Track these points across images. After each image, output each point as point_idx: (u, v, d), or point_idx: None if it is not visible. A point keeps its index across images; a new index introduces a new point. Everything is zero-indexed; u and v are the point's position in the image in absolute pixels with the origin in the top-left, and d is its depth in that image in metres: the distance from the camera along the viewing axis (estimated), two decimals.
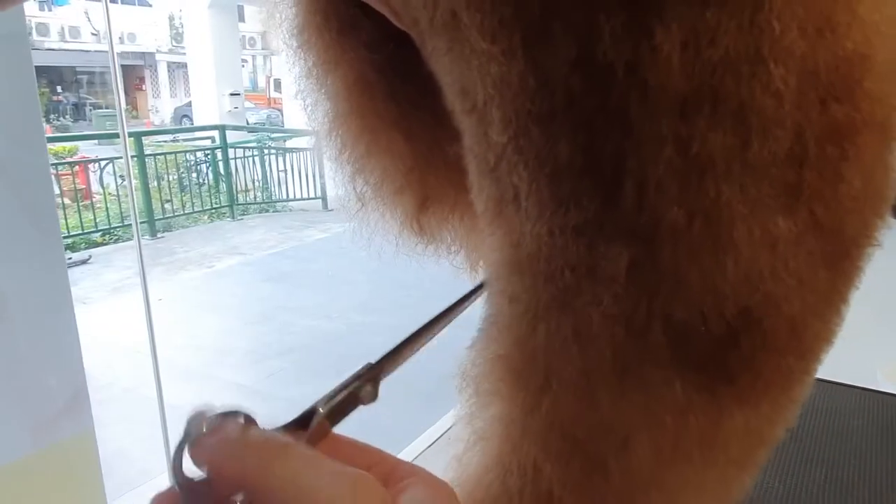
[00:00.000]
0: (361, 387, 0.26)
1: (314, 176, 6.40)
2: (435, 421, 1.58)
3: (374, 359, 0.27)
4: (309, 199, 6.43)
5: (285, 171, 6.58)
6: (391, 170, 0.38)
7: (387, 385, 0.28)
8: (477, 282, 0.34)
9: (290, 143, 6.84)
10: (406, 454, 1.40)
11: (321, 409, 0.25)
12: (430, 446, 1.46)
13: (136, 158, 5.15)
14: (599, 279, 0.25)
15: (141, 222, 4.81)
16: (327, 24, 0.35)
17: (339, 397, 0.26)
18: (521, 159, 0.26)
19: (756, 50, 0.22)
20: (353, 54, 0.36)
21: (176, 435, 0.21)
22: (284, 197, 6.57)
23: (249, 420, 0.22)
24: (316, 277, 4.28)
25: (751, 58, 0.22)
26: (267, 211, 6.43)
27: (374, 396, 0.27)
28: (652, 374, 0.25)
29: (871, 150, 0.23)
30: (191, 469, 0.21)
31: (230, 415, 0.22)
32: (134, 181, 4.56)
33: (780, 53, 0.22)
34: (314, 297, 3.85)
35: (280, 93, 9.47)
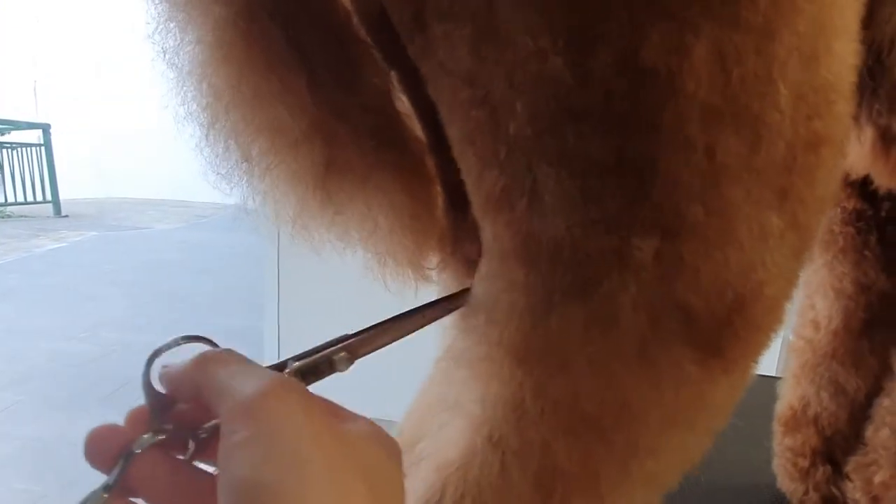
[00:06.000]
0: (337, 353, 0.28)
1: (41, 177, 5.51)
2: None
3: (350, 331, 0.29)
4: (35, 202, 5.51)
5: (0, 168, 5.56)
6: (286, 120, 0.33)
7: None
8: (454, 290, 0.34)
9: (5, 138, 5.81)
10: None
11: (292, 364, 0.27)
12: None
13: None
14: (629, 268, 0.27)
15: None
16: None
17: (312, 358, 0.28)
18: (546, 155, 0.27)
19: (769, 71, 0.26)
20: None
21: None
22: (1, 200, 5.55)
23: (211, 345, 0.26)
24: (53, 293, 3.69)
25: (764, 78, 0.26)
26: None
27: (348, 364, 0.29)
28: (664, 353, 0.28)
29: (831, 160, 0.29)
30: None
31: (191, 339, 0.26)
32: None
33: (784, 76, 0.26)
34: (54, 317, 3.32)
35: None
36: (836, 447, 0.59)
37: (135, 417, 0.26)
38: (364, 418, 0.25)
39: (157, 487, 0.25)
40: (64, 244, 4.63)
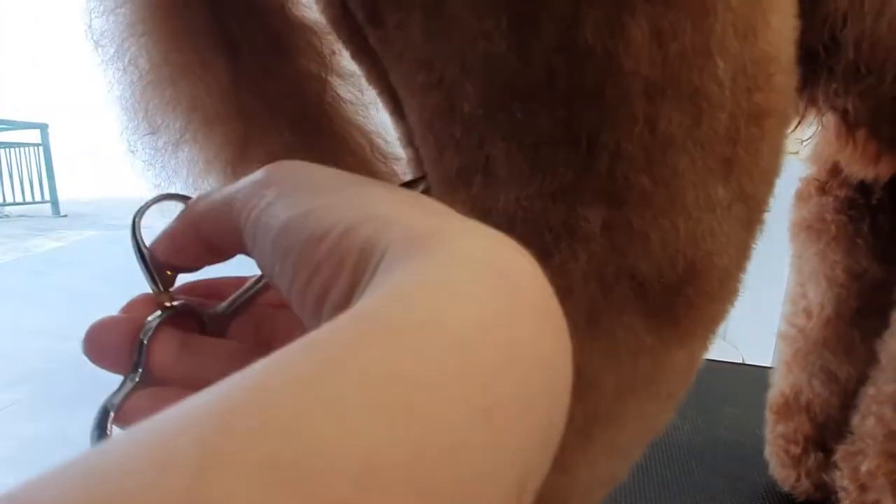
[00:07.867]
0: None
1: (40, 176, 5.52)
2: None
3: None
4: (34, 202, 5.52)
5: None
6: (202, 98, 0.33)
7: None
8: None
9: (4, 138, 5.82)
10: None
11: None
12: None
13: None
14: (578, 238, 0.27)
15: None
16: None
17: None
18: (498, 130, 0.28)
19: (706, 46, 0.26)
20: None
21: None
22: None
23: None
24: (52, 293, 3.70)
25: (702, 52, 0.26)
26: None
27: None
28: (617, 321, 0.29)
29: (775, 131, 0.30)
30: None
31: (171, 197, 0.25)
32: None
33: (721, 50, 0.27)
34: (54, 316, 3.32)
35: None
36: (828, 434, 0.59)
37: (133, 305, 0.23)
38: None
39: (178, 368, 0.23)
40: (63, 244, 4.64)
